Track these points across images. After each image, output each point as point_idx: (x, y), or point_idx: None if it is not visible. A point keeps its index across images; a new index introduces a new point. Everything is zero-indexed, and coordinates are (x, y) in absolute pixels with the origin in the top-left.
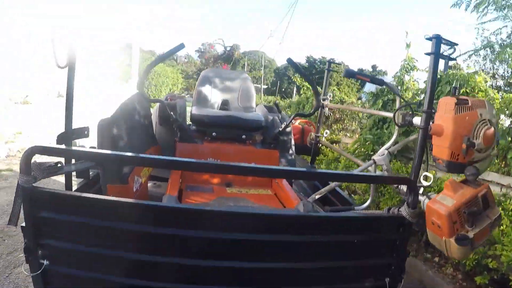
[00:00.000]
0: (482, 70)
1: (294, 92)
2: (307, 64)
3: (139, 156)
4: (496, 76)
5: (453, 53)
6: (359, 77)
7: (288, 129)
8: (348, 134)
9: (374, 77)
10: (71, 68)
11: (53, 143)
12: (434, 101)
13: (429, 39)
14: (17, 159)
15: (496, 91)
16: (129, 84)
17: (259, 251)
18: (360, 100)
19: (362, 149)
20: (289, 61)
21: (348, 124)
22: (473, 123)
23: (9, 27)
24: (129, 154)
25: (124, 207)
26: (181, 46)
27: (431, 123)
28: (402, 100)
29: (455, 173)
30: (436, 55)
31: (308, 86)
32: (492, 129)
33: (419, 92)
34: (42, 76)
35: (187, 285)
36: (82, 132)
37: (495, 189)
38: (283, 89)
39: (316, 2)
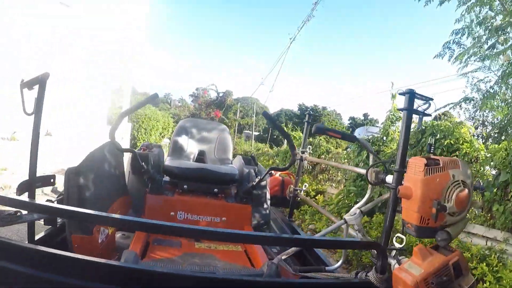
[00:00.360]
0: (472, 118)
1: (284, 139)
2: (299, 112)
3: (100, 214)
4: (486, 123)
5: (428, 108)
6: (329, 133)
7: (263, 183)
8: (334, 185)
9: (345, 133)
10: (37, 116)
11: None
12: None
13: (402, 94)
14: None
15: (483, 140)
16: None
17: None
18: (346, 151)
19: (346, 201)
20: (265, 114)
21: (333, 175)
22: (445, 185)
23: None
24: (90, 212)
25: (75, 263)
26: (155, 96)
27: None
28: (375, 157)
29: (425, 238)
30: (409, 110)
31: (297, 135)
32: (466, 190)
33: None
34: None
35: None
36: (48, 180)
37: (480, 242)
38: (275, 136)
39: (307, 52)
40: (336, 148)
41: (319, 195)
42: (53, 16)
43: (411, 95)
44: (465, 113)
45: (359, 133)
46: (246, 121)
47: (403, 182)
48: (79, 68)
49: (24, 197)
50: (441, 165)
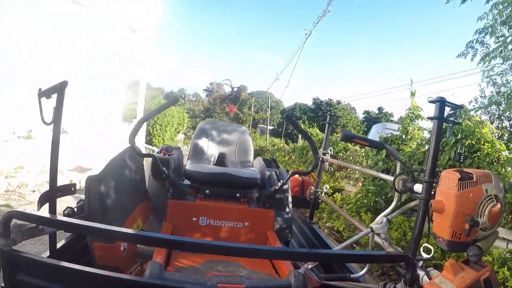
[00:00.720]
0: (488, 112)
1: (300, 135)
2: (313, 106)
3: (124, 231)
4: (502, 117)
5: (458, 116)
6: (356, 141)
7: (285, 187)
8: (352, 182)
9: (372, 141)
10: (56, 124)
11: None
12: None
13: (433, 102)
14: (16, 195)
15: (498, 135)
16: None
17: None
18: (364, 149)
19: (365, 200)
20: (287, 118)
21: (351, 172)
22: (478, 200)
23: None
24: (113, 228)
25: (98, 278)
26: (176, 100)
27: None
28: (403, 166)
29: (456, 252)
30: (440, 119)
31: (314, 131)
32: (499, 205)
33: (423, 142)
34: (46, 111)
35: None
36: (69, 189)
37: (501, 245)
38: (289, 131)
39: (322, 46)
40: (354, 146)
41: (337, 193)
42: (66, 16)
43: (442, 103)
44: (488, 113)
45: (377, 130)
46: (261, 116)
47: (432, 192)
48: (92, 65)
49: (45, 210)
50: (474, 180)
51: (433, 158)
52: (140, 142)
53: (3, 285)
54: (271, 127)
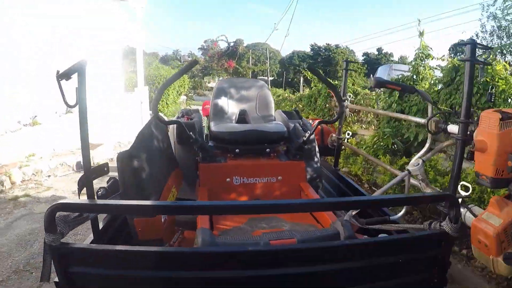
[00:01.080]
0: (500, 52)
1: (301, 83)
2: (311, 52)
3: (176, 205)
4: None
5: (488, 57)
6: (389, 86)
7: (311, 137)
8: (364, 126)
9: (404, 85)
10: (82, 105)
11: (65, 162)
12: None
13: (463, 44)
14: (32, 183)
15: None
16: (136, 92)
17: (299, 282)
18: (374, 92)
19: (381, 143)
20: (309, 68)
21: (363, 116)
22: None
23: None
24: (156, 203)
25: (155, 255)
26: (195, 62)
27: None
28: (435, 108)
29: (500, 189)
30: (472, 61)
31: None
32: None
33: (436, 82)
34: (47, 94)
35: None
36: (102, 170)
37: None
38: (290, 80)
39: None
40: (364, 89)
41: (351, 137)
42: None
43: (473, 45)
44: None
45: (385, 72)
46: (260, 68)
47: (468, 132)
48: (83, 39)
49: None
50: None
51: (467, 99)
52: (145, 110)
53: (56, 280)
54: (271, 78)
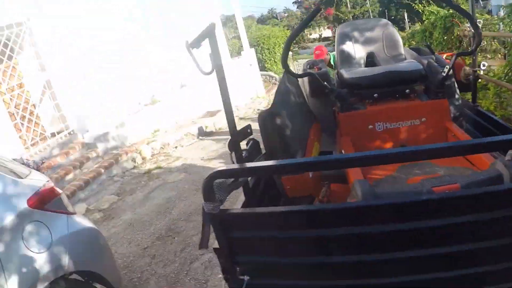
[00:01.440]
0: None
1: (406, 18)
2: None
3: (329, 159)
4: None
5: None
6: None
7: (450, 72)
8: (489, 55)
9: None
10: (219, 71)
11: (189, 132)
12: None
13: None
14: (162, 156)
15: None
16: (243, 56)
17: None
18: (495, 16)
19: None
20: None
21: (487, 45)
22: None
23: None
24: (312, 159)
25: (318, 213)
26: (317, 9)
27: None
28: None
29: None
30: None
31: (434, 9)
32: None
33: None
34: (161, 73)
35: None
36: (245, 131)
37: None
38: (392, 17)
39: None
40: (482, 15)
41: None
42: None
43: None
44: None
45: None
46: (361, 10)
47: None
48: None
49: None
50: None
51: None
52: (255, 72)
53: (215, 246)
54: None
